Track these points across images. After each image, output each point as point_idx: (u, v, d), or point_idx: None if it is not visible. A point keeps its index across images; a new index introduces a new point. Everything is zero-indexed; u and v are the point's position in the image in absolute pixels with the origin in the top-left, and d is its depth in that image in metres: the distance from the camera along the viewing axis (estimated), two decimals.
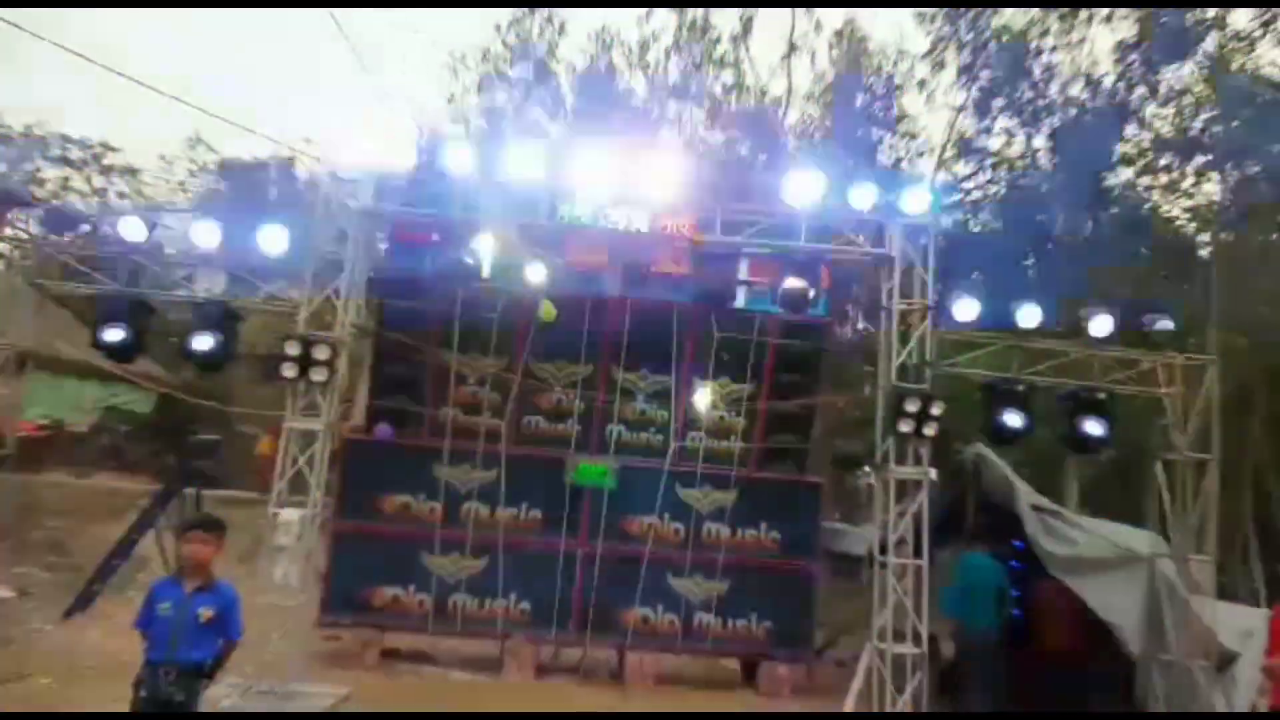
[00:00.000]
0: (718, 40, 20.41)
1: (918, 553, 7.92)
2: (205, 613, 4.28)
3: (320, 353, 8.11)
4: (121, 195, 29.57)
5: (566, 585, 9.44)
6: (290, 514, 7.57)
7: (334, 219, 9.48)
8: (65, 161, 29.60)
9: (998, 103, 19.60)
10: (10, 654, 7.66)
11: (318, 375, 8.10)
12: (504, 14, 20.76)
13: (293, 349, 8.20)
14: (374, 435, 9.79)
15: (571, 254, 9.53)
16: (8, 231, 10.42)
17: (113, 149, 29.73)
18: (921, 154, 20.75)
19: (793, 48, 20.31)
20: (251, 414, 11.43)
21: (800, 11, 20.16)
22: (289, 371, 8.26)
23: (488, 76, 21.02)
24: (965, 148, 20.25)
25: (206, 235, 9.44)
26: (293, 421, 8.55)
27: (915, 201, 9.02)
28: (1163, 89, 18.59)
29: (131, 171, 30.16)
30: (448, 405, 9.63)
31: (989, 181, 20.14)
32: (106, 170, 30.04)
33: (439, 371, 9.68)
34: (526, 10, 20.71)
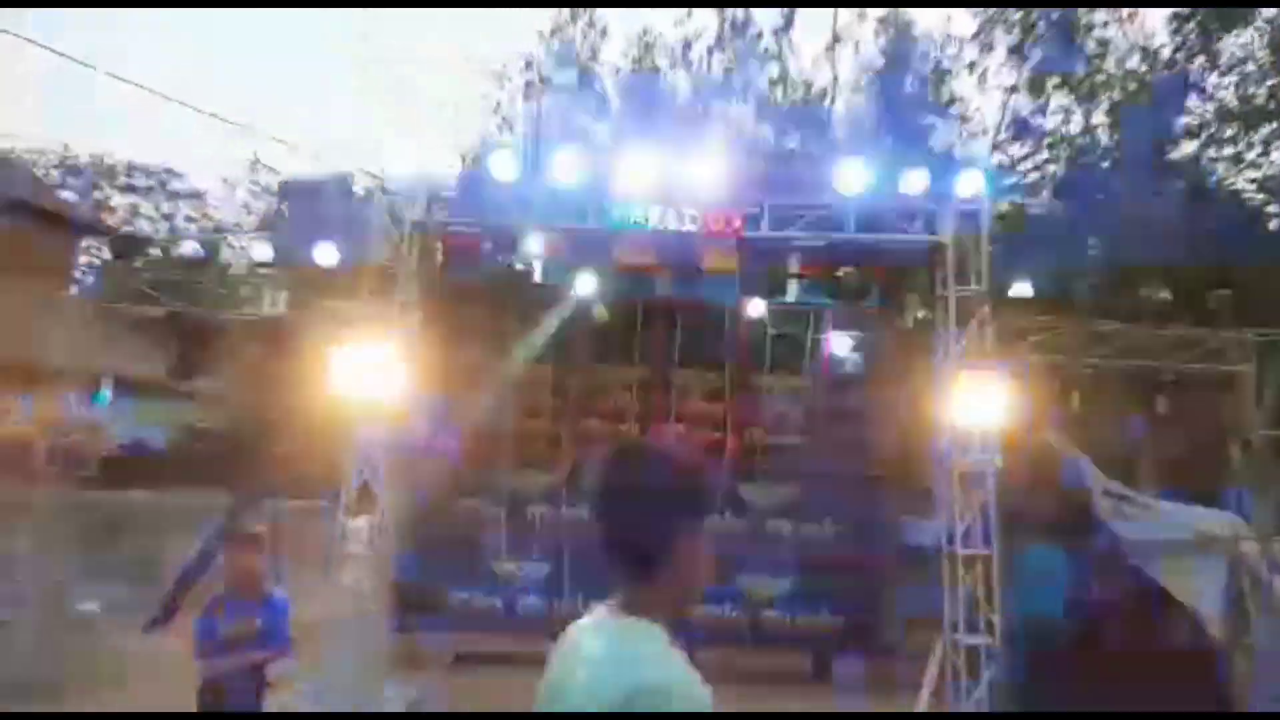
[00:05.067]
0: (759, 35, 20.33)
1: (987, 543, 7.80)
2: (259, 627, 4.40)
3: (380, 362, 8.28)
4: (188, 219, 30.57)
5: None
6: (359, 522, 7.74)
7: (387, 232, 9.70)
8: (132, 189, 30.72)
9: (1052, 81, 19.23)
10: (97, 665, 7.95)
11: (379, 385, 8.28)
12: (546, 21, 20.97)
13: (351, 360, 8.40)
14: (438, 444, 9.94)
15: (620, 256, 9.57)
16: (82, 259, 10.87)
17: (177, 174, 30.76)
18: (975, 136, 20.42)
19: (836, 38, 20.14)
20: (321, 426, 11.70)
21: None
22: (352, 382, 8.47)
23: (532, 83, 21.23)
24: (1021, 128, 19.88)
25: (263, 254, 9.75)
26: (358, 432, 8.76)
27: (968, 185, 8.89)
28: (1224, 58, 18.04)
29: (196, 195, 31.17)
30: (509, 411, 9.75)
31: (1047, 161, 19.73)
32: (173, 196, 31.10)
33: (498, 377, 9.79)
34: (569, 17, 20.88)
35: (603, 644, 1.60)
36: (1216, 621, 7.88)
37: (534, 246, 10.34)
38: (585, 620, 1.73)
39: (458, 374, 9.72)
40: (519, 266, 9.40)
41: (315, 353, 10.31)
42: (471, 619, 9.44)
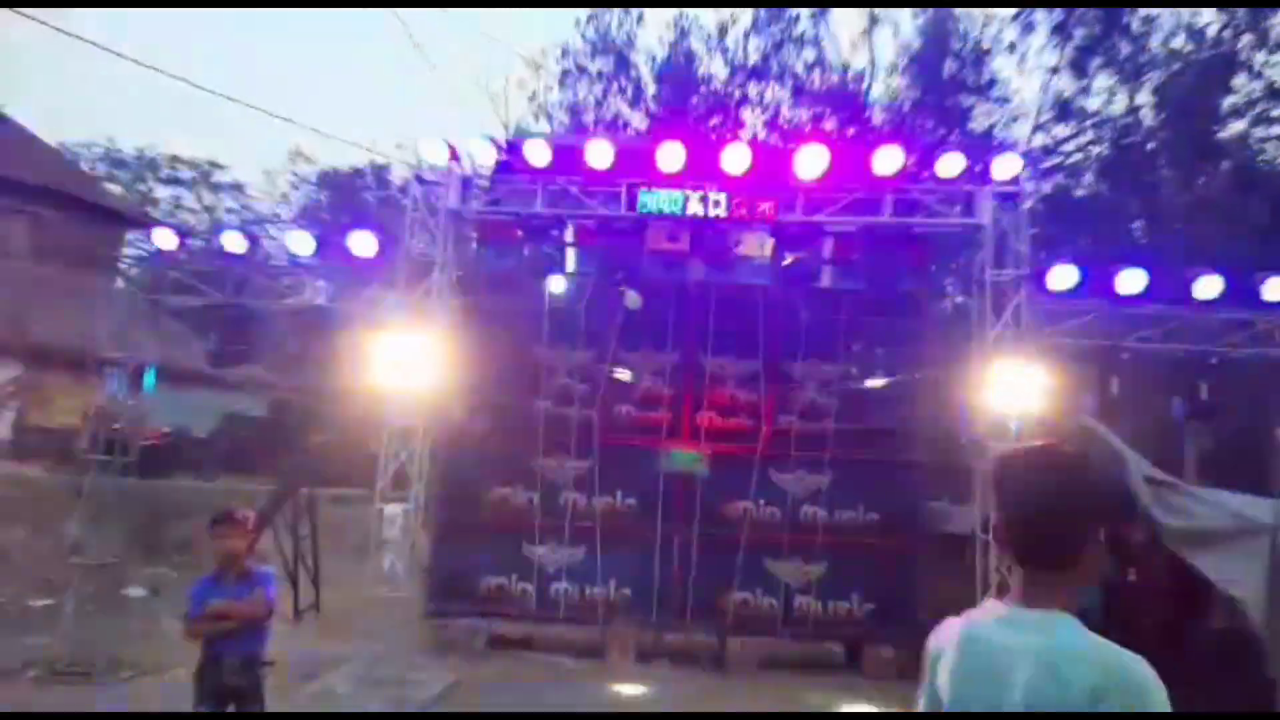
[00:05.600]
0: (796, 18, 20.13)
1: None
2: (246, 596, 4.48)
3: (415, 351, 8.38)
4: (230, 210, 31.08)
5: (665, 571, 9.51)
6: (394, 509, 7.87)
7: (423, 221, 9.80)
8: (176, 181, 31.30)
9: (1095, 61, 18.82)
10: (147, 648, 8.16)
11: (414, 373, 8.39)
12: (583, 10, 20.94)
13: (389, 349, 8.51)
14: (471, 431, 10.03)
15: (653, 242, 9.57)
16: (128, 251, 11.10)
17: (219, 166, 31.29)
18: (1016, 119, 20.06)
19: (874, 20, 19.88)
20: (358, 414, 11.87)
21: None
22: (389, 371, 8.58)
23: (569, 72, 21.24)
24: (1063, 109, 19.50)
25: (302, 245, 9.88)
26: (394, 421, 8.87)
27: (1005, 168, 8.77)
28: (1273, 35, 17.52)
29: (238, 187, 31.68)
30: (541, 398, 9.81)
31: (1090, 143, 19.35)
32: (215, 187, 31.65)
33: (531, 365, 9.86)
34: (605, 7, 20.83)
35: (1046, 636, 1.64)
36: (1259, 608, 7.72)
37: (568, 234, 10.40)
38: (982, 615, 1.76)
39: (492, 361, 9.79)
40: (553, 255, 9.44)
41: (353, 341, 10.48)
42: (504, 604, 9.52)
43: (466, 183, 10.05)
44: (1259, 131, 17.91)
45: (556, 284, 10.44)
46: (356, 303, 10.21)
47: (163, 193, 31.28)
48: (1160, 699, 1.57)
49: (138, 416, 10.21)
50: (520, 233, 10.20)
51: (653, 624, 9.48)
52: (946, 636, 1.78)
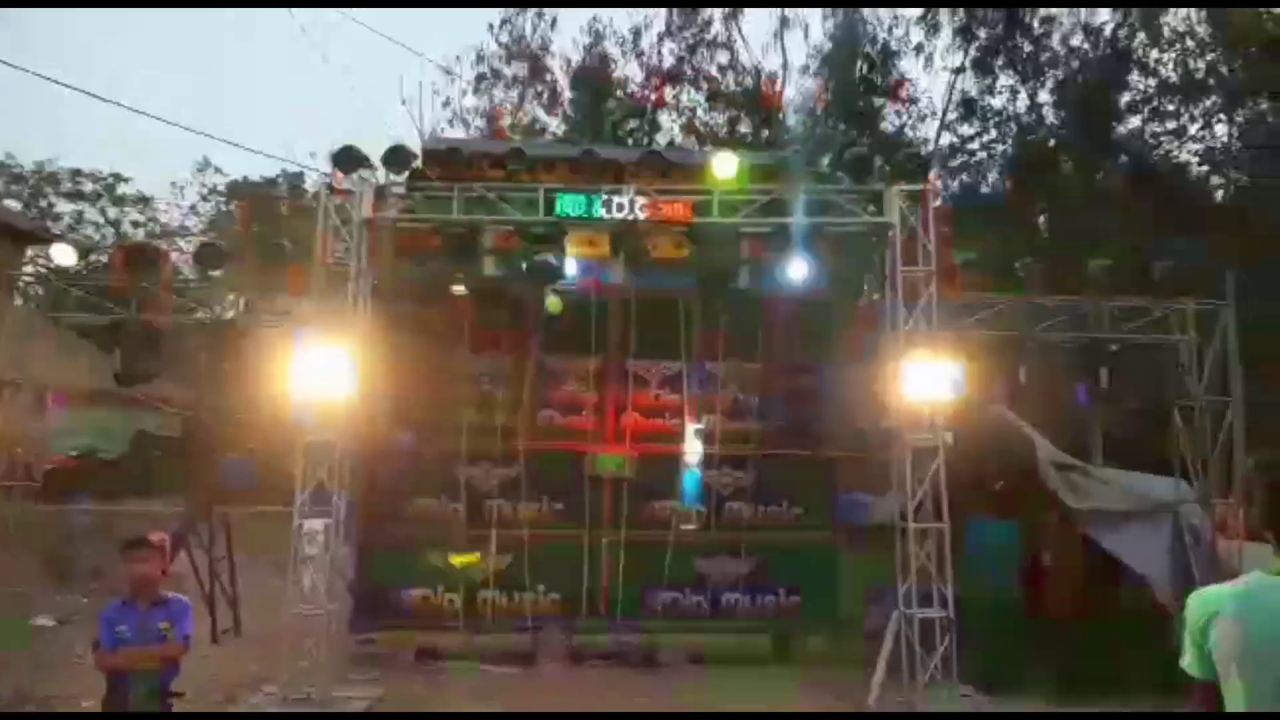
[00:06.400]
0: (709, 22, 20.35)
1: (939, 517, 7.93)
2: (164, 628, 4.38)
3: (332, 362, 8.22)
4: (135, 224, 30.06)
5: (594, 574, 9.53)
6: (314, 524, 7.71)
7: (337, 231, 9.61)
8: (78, 195, 30.14)
9: (998, 61, 19.44)
10: (55, 679, 7.84)
11: (332, 385, 8.21)
12: (496, 13, 20.82)
13: (304, 361, 8.32)
14: (392, 442, 9.88)
15: (572, 246, 9.55)
16: (27, 268, 10.65)
17: (124, 179, 30.23)
18: (923, 118, 20.60)
19: (785, 23, 20.23)
20: (274, 429, 11.58)
21: None
22: (305, 384, 8.38)
23: (483, 76, 21.10)
24: (968, 108, 20.09)
25: (211, 258, 9.63)
26: (311, 434, 8.67)
27: (914, 166, 8.99)
28: (1165, 33, 18.34)
29: (144, 200, 30.63)
30: (463, 406, 9.72)
31: (994, 141, 19.97)
32: (119, 200, 30.56)
33: (453, 373, 9.76)
34: (518, 9, 20.75)
35: None
36: (1164, 583, 8.09)
37: (484, 240, 10.30)
38: (1262, 580, 2.10)
39: (412, 371, 9.66)
40: (471, 262, 9.34)
41: (267, 355, 10.21)
42: (430, 616, 9.42)
43: (380, 191, 9.88)
44: (1153, 126, 18.72)
45: (476, 291, 10.34)
46: (269, 316, 9.96)
47: (65, 207, 30.09)
48: None
49: (41, 439, 9.80)
50: (437, 240, 10.08)
51: (583, 627, 9.48)
52: (1214, 605, 2.13)
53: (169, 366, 10.78)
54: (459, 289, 9.68)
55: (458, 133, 20.46)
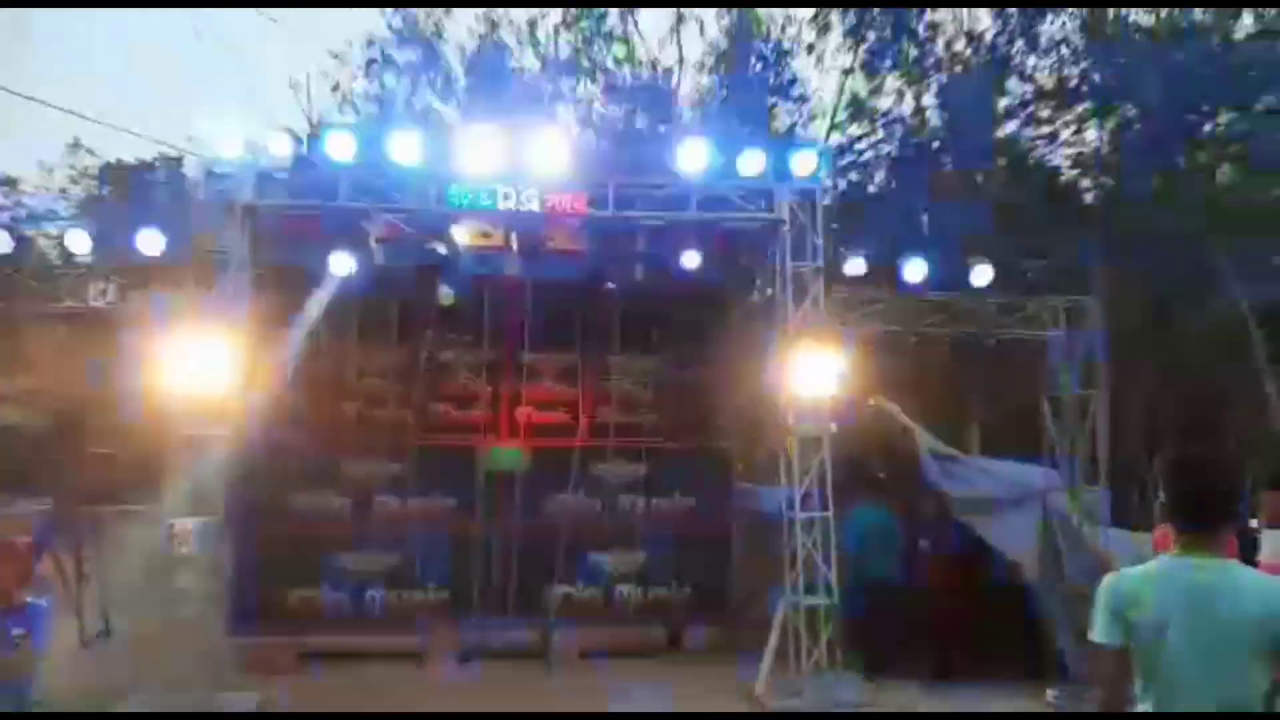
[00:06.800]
0: (605, 14, 20.30)
1: (824, 506, 8.13)
2: (19, 635, 4.14)
3: (208, 354, 7.88)
4: None
5: (485, 570, 9.41)
6: (186, 523, 7.37)
7: (216, 216, 9.21)
8: None
9: (885, 63, 19.98)
10: None
11: (208, 378, 7.88)
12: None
13: (180, 353, 7.96)
14: (273, 437, 9.54)
15: (465, 236, 9.39)
16: None
17: None
18: (814, 118, 21.03)
19: (681, 17, 20.34)
20: (146, 423, 11.05)
21: None
22: (181, 377, 8.02)
23: (374, 61, 20.56)
24: (857, 109, 20.60)
25: (79, 243, 9.11)
26: (186, 429, 8.30)
27: (803, 165, 9.16)
28: (1042, 41, 19.13)
29: (9, 182, 28.73)
30: (350, 400, 9.47)
31: (881, 141, 20.53)
32: None
33: (338, 365, 9.49)
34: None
35: (1238, 575, 2.41)
36: (1032, 564, 8.51)
37: (373, 229, 10.03)
38: (1172, 560, 2.47)
39: (295, 363, 9.35)
40: (358, 249, 9.08)
41: (139, 346, 9.72)
42: (315, 617, 9.15)
43: (263, 176, 9.51)
44: (1030, 131, 19.56)
45: (364, 280, 10.07)
46: (142, 304, 9.47)
47: None
48: None
49: None
50: (323, 228, 9.76)
51: (474, 624, 9.36)
52: (1137, 582, 2.48)
53: (33, 357, 10.18)
54: (345, 276, 9.41)
55: (347, 119, 19.89)
